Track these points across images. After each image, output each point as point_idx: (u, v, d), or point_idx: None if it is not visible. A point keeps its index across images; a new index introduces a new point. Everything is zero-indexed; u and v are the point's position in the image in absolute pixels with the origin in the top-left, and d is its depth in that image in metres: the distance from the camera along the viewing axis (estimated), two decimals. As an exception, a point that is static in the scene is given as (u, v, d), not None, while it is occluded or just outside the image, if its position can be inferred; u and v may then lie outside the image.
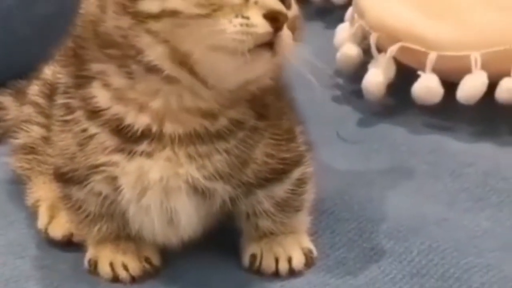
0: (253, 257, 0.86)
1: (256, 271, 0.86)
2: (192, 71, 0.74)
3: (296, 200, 0.86)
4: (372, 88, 1.19)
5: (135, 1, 0.72)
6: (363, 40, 1.25)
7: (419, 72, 1.14)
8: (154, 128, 0.77)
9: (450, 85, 1.13)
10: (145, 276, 0.86)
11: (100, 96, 0.78)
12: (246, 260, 0.87)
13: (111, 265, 0.85)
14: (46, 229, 0.92)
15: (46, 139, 0.92)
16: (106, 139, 0.78)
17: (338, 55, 1.26)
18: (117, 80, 0.77)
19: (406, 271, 0.86)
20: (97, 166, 0.79)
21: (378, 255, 0.88)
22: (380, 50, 1.19)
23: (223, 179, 0.79)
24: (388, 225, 0.93)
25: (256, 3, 0.71)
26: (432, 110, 1.15)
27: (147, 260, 0.86)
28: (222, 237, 0.87)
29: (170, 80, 0.75)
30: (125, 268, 0.85)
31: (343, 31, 1.30)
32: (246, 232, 0.87)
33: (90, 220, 0.85)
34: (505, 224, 0.95)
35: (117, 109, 0.77)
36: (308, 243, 0.88)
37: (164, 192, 0.79)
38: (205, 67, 0.74)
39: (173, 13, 0.71)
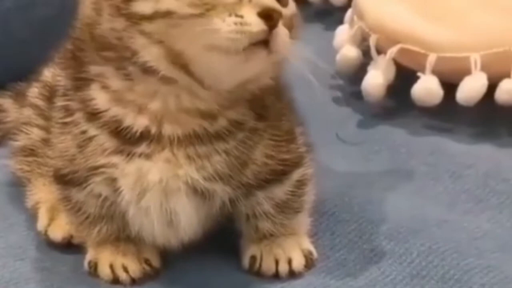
0: (253, 258, 0.86)
1: (256, 273, 0.86)
2: (188, 71, 0.74)
3: (296, 202, 0.86)
4: (372, 90, 1.19)
5: (129, 3, 0.72)
6: (362, 42, 1.25)
7: (419, 74, 1.14)
8: (153, 130, 0.77)
9: (449, 86, 1.13)
10: (145, 278, 0.86)
11: (99, 98, 0.78)
12: (246, 261, 0.87)
13: (111, 267, 0.85)
14: (46, 231, 0.92)
15: (46, 141, 0.92)
16: (105, 140, 0.78)
17: (338, 56, 1.26)
18: (115, 82, 0.77)
19: (406, 272, 0.86)
20: (96, 167, 0.79)
21: (378, 257, 0.88)
22: (380, 51, 1.19)
23: (222, 180, 0.79)
24: (388, 226, 0.93)
25: (250, 1, 0.71)
26: (432, 111, 1.15)
27: (147, 262, 0.86)
28: (222, 239, 0.87)
29: (167, 81, 0.75)
30: (125, 270, 0.85)
31: (343, 33, 1.30)
32: (246, 234, 0.87)
33: (90, 222, 0.85)
34: (505, 226, 0.95)
35: (115, 111, 0.77)
36: (308, 245, 0.88)
37: (163, 194, 0.79)
38: (201, 67, 0.74)
39: (166, 14, 0.71)
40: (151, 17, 0.72)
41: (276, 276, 0.86)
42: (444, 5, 1.17)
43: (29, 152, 0.98)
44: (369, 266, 0.87)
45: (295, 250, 0.87)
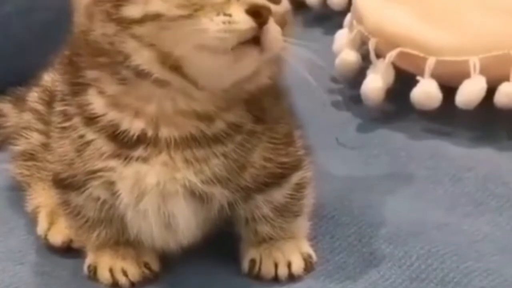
0: (253, 262, 0.86)
1: (256, 276, 0.86)
2: (181, 73, 0.74)
3: (295, 205, 0.86)
4: (371, 94, 1.19)
5: (118, 8, 0.73)
6: (362, 46, 1.26)
7: (418, 78, 1.14)
8: (150, 133, 0.77)
9: (449, 90, 1.13)
10: (145, 281, 0.86)
11: (96, 102, 0.78)
12: (245, 265, 0.87)
13: (111, 270, 0.85)
14: (45, 235, 0.92)
15: (45, 146, 0.92)
16: (102, 145, 0.78)
17: (337, 60, 1.26)
18: (111, 86, 0.77)
19: (405, 275, 0.86)
20: (94, 171, 0.79)
21: (378, 260, 0.88)
22: (379, 55, 1.20)
23: (221, 184, 0.79)
24: (387, 229, 0.93)
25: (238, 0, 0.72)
26: (431, 115, 1.15)
27: (147, 265, 0.86)
28: (221, 243, 0.87)
29: (161, 83, 0.75)
30: (125, 273, 0.85)
31: (342, 37, 1.30)
32: (245, 237, 0.87)
33: (89, 226, 0.85)
34: (505, 229, 0.95)
35: (112, 115, 0.77)
36: (307, 248, 0.88)
37: (161, 197, 0.79)
38: (193, 67, 0.74)
39: (155, 17, 0.71)
40: (140, 21, 0.72)
41: (276, 279, 0.86)
42: (443, 8, 1.17)
43: (29, 156, 0.98)
44: (368, 269, 0.87)
45: (294, 253, 0.87)
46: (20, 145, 0.99)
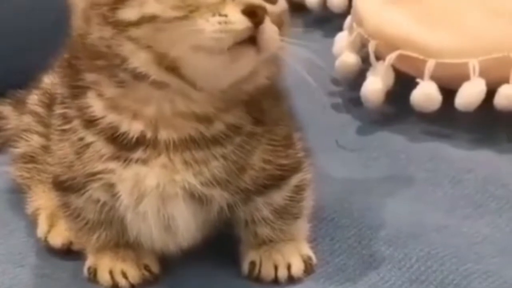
0: (252, 264, 0.86)
1: (256, 279, 0.86)
2: (178, 74, 0.74)
3: (295, 207, 0.86)
4: (371, 96, 1.19)
5: (114, 11, 0.73)
6: (361, 48, 1.26)
7: (418, 80, 1.14)
8: (149, 135, 0.77)
9: (448, 92, 1.13)
10: (145, 283, 0.86)
11: (95, 105, 0.78)
12: (245, 267, 0.87)
13: (111, 273, 0.85)
14: (45, 237, 0.92)
15: (45, 148, 0.92)
16: (102, 147, 0.78)
17: (337, 63, 1.26)
18: (110, 89, 0.77)
19: (405, 277, 0.86)
20: (94, 174, 0.79)
21: (378, 262, 0.88)
22: (379, 58, 1.20)
23: (220, 185, 0.79)
24: (387, 232, 0.93)
25: (233, 0, 0.72)
26: (430, 117, 1.15)
27: (147, 267, 0.86)
28: (221, 245, 0.87)
29: (159, 85, 0.75)
30: (125, 275, 0.85)
31: (342, 39, 1.30)
32: (245, 240, 0.87)
33: (89, 228, 0.85)
34: (504, 230, 0.95)
35: (111, 117, 0.78)
36: (307, 250, 0.88)
37: (160, 199, 0.79)
38: (190, 68, 0.74)
39: (151, 18, 0.72)
40: (137, 23, 0.72)
41: (276, 281, 0.86)
42: (443, 11, 1.17)
43: (29, 159, 0.98)
44: (368, 271, 0.87)
45: (294, 255, 0.87)
46: (20, 148, 1.00)
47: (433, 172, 1.06)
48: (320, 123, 1.12)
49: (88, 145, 0.78)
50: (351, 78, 1.27)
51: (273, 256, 0.86)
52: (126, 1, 0.72)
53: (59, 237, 0.92)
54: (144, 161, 0.78)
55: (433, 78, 1.13)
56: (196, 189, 0.79)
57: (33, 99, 1.01)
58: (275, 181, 0.83)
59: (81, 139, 0.79)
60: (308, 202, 0.88)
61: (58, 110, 0.82)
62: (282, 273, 0.86)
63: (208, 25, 0.71)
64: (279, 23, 0.76)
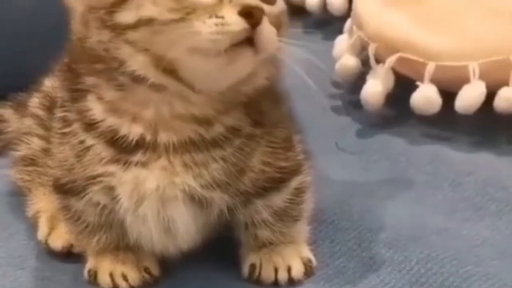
0: (253, 267, 0.87)
1: (256, 281, 0.86)
2: (176, 77, 0.74)
3: (294, 210, 0.86)
4: (371, 99, 1.19)
5: (112, 14, 0.73)
6: (361, 51, 1.26)
7: (418, 83, 1.14)
8: (148, 138, 0.77)
9: (448, 95, 1.13)
10: (145, 286, 0.86)
11: (95, 108, 0.78)
12: (245, 270, 0.87)
13: (111, 275, 0.86)
14: (46, 240, 0.93)
15: (46, 151, 0.92)
16: (102, 150, 0.78)
17: (337, 66, 1.27)
18: (109, 92, 0.77)
19: (405, 280, 0.86)
20: (94, 177, 0.79)
21: (378, 264, 0.88)
22: (379, 61, 1.20)
23: (220, 188, 0.79)
24: (387, 234, 0.93)
25: (230, 1, 0.72)
26: (430, 120, 1.15)
27: (147, 270, 0.86)
28: (221, 247, 0.87)
29: (157, 88, 0.75)
30: (125, 278, 0.85)
31: (342, 42, 1.30)
32: (245, 242, 0.87)
33: (89, 231, 0.85)
34: (504, 233, 0.95)
35: (111, 121, 0.78)
36: (307, 253, 0.88)
37: (160, 202, 0.79)
38: (188, 71, 0.74)
39: (148, 21, 0.72)
40: (134, 26, 0.72)
41: (276, 284, 0.86)
42: (443, 14, 1.18)
43: (30, 162, 0.98)
44: (368, 274, 0.87)
45: (294, 258, 0.87)
46: (21, 150, 1.00)
47: (433, 175, 1.06)
48: (320, 125, 1.13)
49: (88, 148, 0.79)
50: (351, 80, 1.27)
51: (273, 258, 0.86)
52: (123, 4, 0.73)
53: (59, 239, 0.92)
54: (144, 164, 0.78)
55: (433, 81, 1.13)
56: (196, 191, 0.79)
57: (34, 102, 1.01)
58: (275, 183, 0.83)
59: (81, 142, 0.79)
60: (308, 204, 0.88)
61: (58, 113, 0.82)
62: (282, 276, 0.86)
63: (204, 27, 0.71)
64: (277, 24, 0.76)
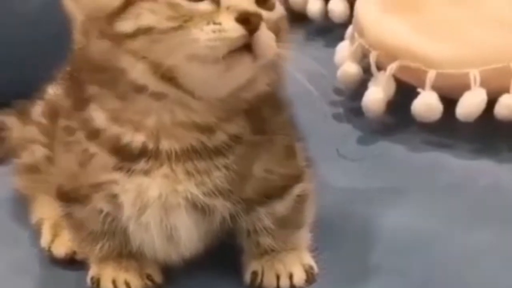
0: (255, 274, 0.87)
1: (258, 288, 0.87)
2: (176, 84, 0.75)
3: (297, 217, 0.87)
4: (372, 106, 1.19)
5: (111, 24, 0.73)
6: (363, 58, 1.26)
7: (419, 90, 1.15)
8: (150, 146, 0.78)
9: (449, 102, 1.13)
10: (147, 293, 0.86)
11: (98, 117, 0.78)
12: (247, 277, 0.87)
13: (114, 282, 0.86)
14: (49, 247, 0.93)
15: (49, 159, 0.93)
16: (105, 158, 0.78)
17: (339, 73, 1.27)
18: (110, 101, 0.77)
19: (406, 287, 0.86)
20: (98, 184, 0.80)
21: (379, 272, 0.88)
22: (380, 68, 1.20)
23: (222, 196, 0.80)
24: (388, 241, 0.93)
25: (228, 8, 0.72)
26: (431, 127, 1.16)
27: (149, 277, 0.86)
28: (223, 255, 0.88)
29: (157, 96, 0.76)
30: (128, 285, 0.85)
31: (343, 49, 1.30)
32: (247, 249, 0.87)
33: (92, 238, 0.85)
34: (506, 240, 0.94)
35: (114, 129, 0.78)
36: (309, 260, 0.88)
37: (163, 209, 0.79)
38: (187, 78, 0.74)
39: (147, 30, 0.72)
40: (133, 35, 0.73)
41: (278, 291, 0.86)
42: (443, 22, 1.18)
43: (33, 169, 0.99)
44: (369, 281, 0.87)
45: (296, 265, 0.87)
46: (24, 158, 1.00)
47: (434, 182, 1.07)
48: (321, 132, 1.12)
49: (91, 156, 0.79)
50: (352, 88, 1.27)
51: (275, 265, 0.87)
52: (122, 13, 0.73)
53: (62, 247, 0.92)
54: (147, 172, 0.78)
55: (434, 88, 1.13)
56: (199, 199, 0.79)
57: (37, 109, 1.01)
58: (277, 191, 0.83)
59: (84, 150, 0.79)
60: (310, 211, 0.89)
61: (62, 122, 0.82)
62: (284, 283, 0.86)
63: (202, 34, 0.71)
64: (276, 30, 0.76)
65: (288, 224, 0.86)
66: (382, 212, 0.99)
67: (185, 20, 0.72)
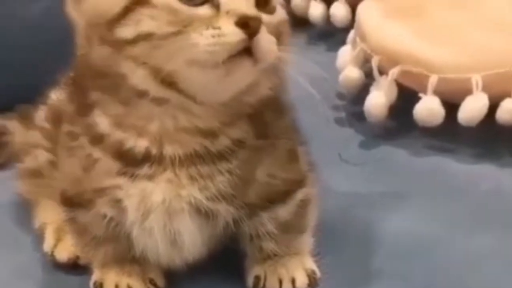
0: (257, 278, 0.87)
1: (260, 293, 0.87)
2: (177, 89, 0.75)
3: (299, 222, 0.87)
4: (374, 110, 1.20)
5: (111, 31, 0.73)
6: (365, 63, 1.26)
7: (421, 94, 1.15)
8: (154, 151, 0.78)
9: (451, 106, 1.13)
10: (150, 298, 0.86)
11: (101, 123, 0.79)
12: (250, 281, 0.87)
13: (117, 287, 0.86)
14: (52, 252, 0.93)
15: (52, 163, 0.93)
16: (109, 163, 0.79)
17: (341, 77, 1.27)
18: (114, 107, 0.78)
19: (408, 291, 0.87)
20: (101, 189, 0.80)
21: (381, 276, 0.89)
22: (382, 72, 1.20)
23: (226, 200, 0.80)
24: (390, 246, 0.93)
25: (227, 12, 0.72)
26: (433, 132, 1.16)
27: (152, 282, 0.87)
28: (226, 259, 0.88)
29: (159, 101, 0.76)
30: (130, 290, 0.86)
31: (345, 54, 1.31)
32: (250, 254, 0.88)
33: (96, 243, 0.85)
34: (507, 245, 0.95)
35: (117, 134, 0.78)
36: (311, 264, 0.88)
37: (167, 214, 0.79)
38: (187, 83, 0.74)
39: (147, 36, 0.72)
40: (133, 41, 0.73)
41: (280, 295, 0.86)
42: (445, 26, 1.18)
43: (36, 174, 0.99)
44: (371, 285, 0.87)
45: (298, 269, 0.87)
46: (28, 163, 1.01)
47: (435, 187, 1.07)
48: (323, 136, 1.13)
49: (95, 161, 0.79)
50: (354, 92, 1.28)
51: (277, 270, 0.87)
52: (122, 20, 0.73)
53: (65, 251, 0.92)
54: (150, 177, 0.78)
55: (436, 92, 1.14)
56: (202, 204, 0.79)
57: (41, 114, 1.02)
58: (280, 195, 0.83)
59: (88, 155, 0.79)
60: (313, 216, 0.89)
61: (65, 127, 0.83)
62: (287, 287, 0.86)
63: (202, 39, 0.71)
64: (277, 34, 0.76)
65: (290, 228, 0.87)
66: (384, 216, 1.00)
67: (184, 25, 0.72)
